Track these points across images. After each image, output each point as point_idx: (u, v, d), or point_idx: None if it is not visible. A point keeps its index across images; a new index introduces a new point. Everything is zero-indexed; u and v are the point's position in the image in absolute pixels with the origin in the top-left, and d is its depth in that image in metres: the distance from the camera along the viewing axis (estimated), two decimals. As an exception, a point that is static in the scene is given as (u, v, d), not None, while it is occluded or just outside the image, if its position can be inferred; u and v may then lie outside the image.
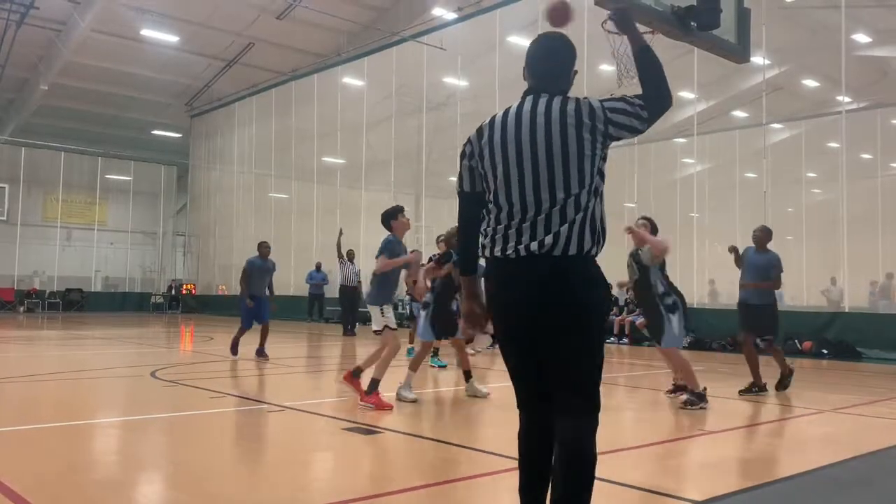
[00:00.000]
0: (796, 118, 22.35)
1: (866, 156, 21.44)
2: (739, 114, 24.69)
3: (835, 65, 15.33)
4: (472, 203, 2.79)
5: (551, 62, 2.76)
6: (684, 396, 7.19)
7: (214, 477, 4.47)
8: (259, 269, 11.42)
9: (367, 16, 24.43)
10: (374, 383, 6.66)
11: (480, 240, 2.73)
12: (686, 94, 19.79)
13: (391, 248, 6.88)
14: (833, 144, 18.47)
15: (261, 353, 11.23)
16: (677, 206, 19.25)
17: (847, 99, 20.23)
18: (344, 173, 24.29)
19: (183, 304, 29.27)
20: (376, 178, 23.35)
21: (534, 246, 2.54)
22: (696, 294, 17.82)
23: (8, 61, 24.30)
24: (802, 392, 8.49)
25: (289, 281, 21.69)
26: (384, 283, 7.02)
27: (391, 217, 7.09)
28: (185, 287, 29.78)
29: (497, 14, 19.16)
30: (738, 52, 6.97)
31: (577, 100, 2.64)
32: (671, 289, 7.16)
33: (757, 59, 16.77)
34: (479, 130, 2.77)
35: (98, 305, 28.60)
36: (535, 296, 2.54)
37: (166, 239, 32.80)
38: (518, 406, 2.79)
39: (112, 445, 5.47)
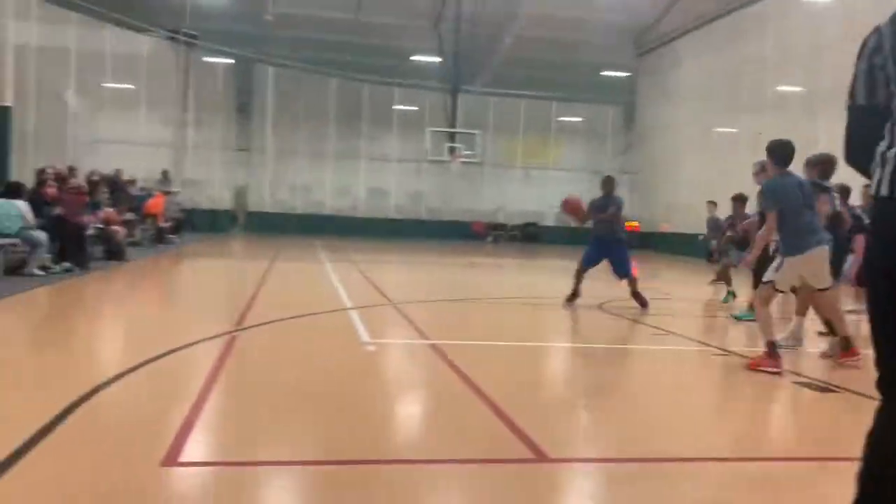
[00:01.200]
0: None
1: None
2: None
3: None
4: (868, 120, 2.07)
5: None
6: None
7: (658, 416, 4.67)
8: None
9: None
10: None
11: (875, 173, 2.03)
12: None
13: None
14: None
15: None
16: None
17: None
18: (800, 102, 22.11)
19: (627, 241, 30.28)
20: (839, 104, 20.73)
21: None
22: None
23: (483, 19, 27.43)
24: None
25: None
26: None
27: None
28: (629, 225, 30.71)
29: None
30: None
31: None
32: None
33: None
34: (894, 18, 2.03)
35: (552, 238, 31.24)
36: None
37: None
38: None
39: (561, 367, 6.06)
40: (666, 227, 27.47)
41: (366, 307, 8.54)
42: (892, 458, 1.98)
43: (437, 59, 28.81)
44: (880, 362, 2.04)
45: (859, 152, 2.12)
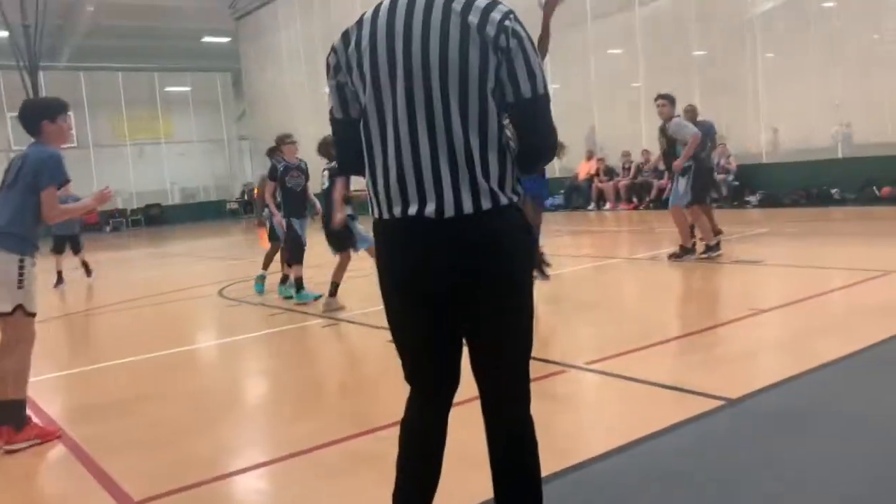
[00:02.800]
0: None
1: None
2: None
3: None
4: (349, 131, 2.14)
5: None
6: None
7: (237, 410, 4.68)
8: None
9: None
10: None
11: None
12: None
13: None
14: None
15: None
16: (747, 49, 18.01)
17: None
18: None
19: (255, 209, 30.09)
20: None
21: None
22: (763, 147, 16.98)
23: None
24: (872, 249, 8.11)
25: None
26: None
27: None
28: (255, 191, 30.49)
29: None
30: None
31: None
32: (693, 158, 8.40)
33: None
34: (345, 35, 2.12)
35: (178, 217, 29.71)
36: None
37: (232, 145, 33.38)
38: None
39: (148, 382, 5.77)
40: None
41: None
42: (413, 443, 2.19)
43: (4, 34, 24.94)
44: (403, 365, 2.21)
45: (350, 160, 2.20)
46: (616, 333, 5.64)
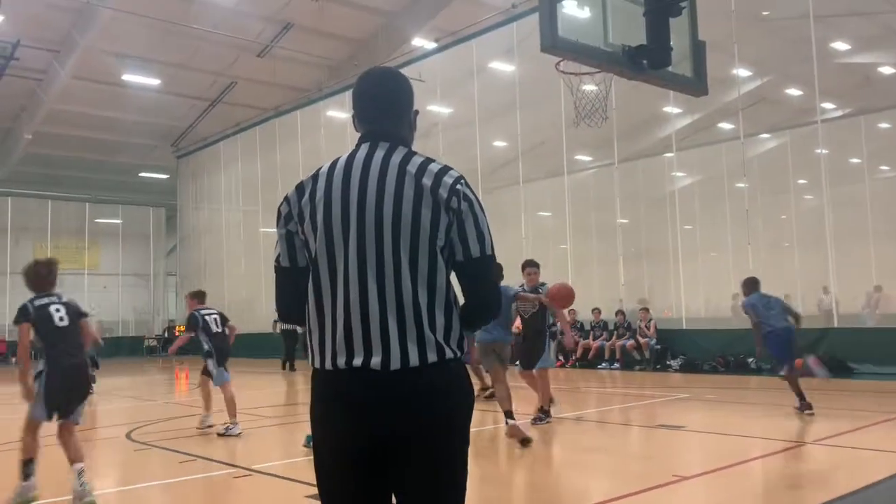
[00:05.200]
0: (779, 128, 22.28)
1: (854, 160, 21.35)
2: (725, 125, 24.62)
3: (816, 73, 15.22)
4: (293, 280, 2.18)
5: (385, 101, 2.21)
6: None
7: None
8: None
9: (346, 50, 24.49)
10: None
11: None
12: (670, 110, 19.81)
13: None
14: (819, 151, 18.44)
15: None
16: (668, 220, 19.17)
17: (831, 106, 20.23)
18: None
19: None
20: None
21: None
22: (688, 311, 17.69)
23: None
24: (788, 420, 8.32)
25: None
26: None
27: None
28: (177, 329, 29.66)
29: (473, 44, 19.18)
30: (695, 84, 6.91)
31: (427, 159, 2.11)
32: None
33: (738, 72, 16.79)
34: (300, 187, 2.18)
35: (121, 350, 28.47)
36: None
37: (158, 280, 32.74)
38: None
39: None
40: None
41: None
42: None
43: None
44: None
45: (287, 309, 2.21)
46: (533, 499, 5.50)
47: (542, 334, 8.50)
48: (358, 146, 2.18)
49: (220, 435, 8.41)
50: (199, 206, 29.34)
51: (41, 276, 5.70)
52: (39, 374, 5.46)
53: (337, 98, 23.27)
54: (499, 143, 22.42)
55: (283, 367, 19.23)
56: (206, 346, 8.89)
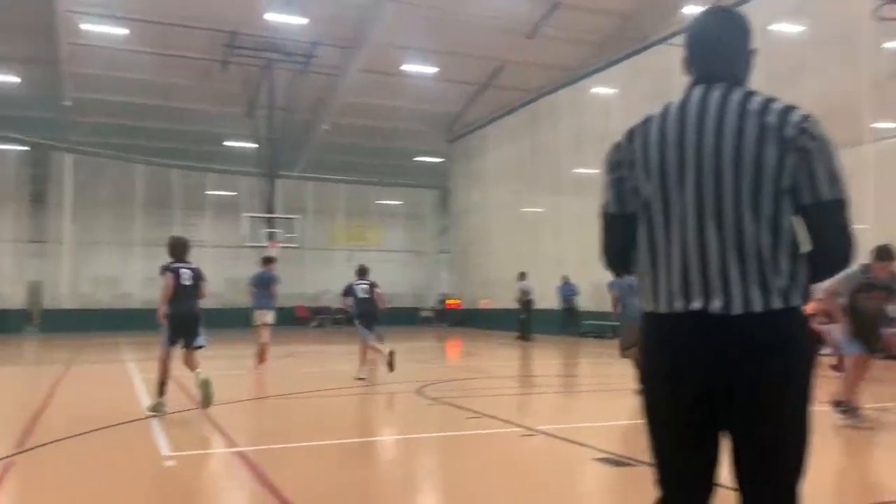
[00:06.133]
0: None
1: None
2: None
3: None
4: (621, 227, 2.19)
5: (720, 42, 2.16)
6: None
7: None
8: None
9: (613, 24, 24.11)
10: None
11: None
12: None
13: None
14: None
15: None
16: None
17: None
18: (598, 184, 24.05)
19: (449, 318, 31.02)
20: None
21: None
22: None
23: (298, 106, 27.59)
24: None
25: (544, 292, 21.97)
26: None
27: None
28: (448, 302, 31.54)
29: (753, 5, 17.77)
30: None
31: (770, 98, 2.01)
32: None
33: None
34: (630, 133, 2.19)
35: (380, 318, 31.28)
36: None
37: (431, 257, 35.04)
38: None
39: (381, 463, 5.94)
40: (486, 304, 28.40)
41: (170, 413, 7.96)
42: None
43: (253, 146, 28.49)
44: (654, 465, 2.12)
45: (615, 257, 2.26)
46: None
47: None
48: (691, 89, 2.13)
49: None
50: (470, 187, 30.75)
51: (177, 247, 8.01)
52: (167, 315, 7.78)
53: (602, 75, 22.98)
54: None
55: (520, 339, 20.78)
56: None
